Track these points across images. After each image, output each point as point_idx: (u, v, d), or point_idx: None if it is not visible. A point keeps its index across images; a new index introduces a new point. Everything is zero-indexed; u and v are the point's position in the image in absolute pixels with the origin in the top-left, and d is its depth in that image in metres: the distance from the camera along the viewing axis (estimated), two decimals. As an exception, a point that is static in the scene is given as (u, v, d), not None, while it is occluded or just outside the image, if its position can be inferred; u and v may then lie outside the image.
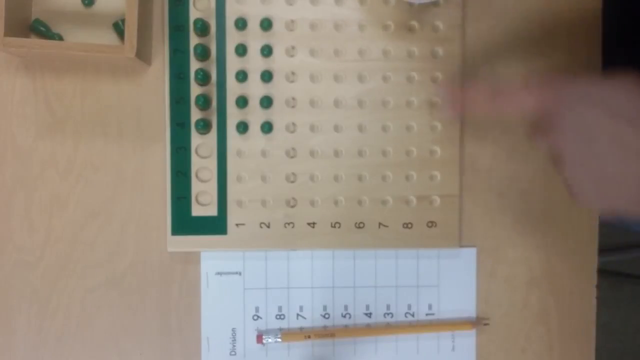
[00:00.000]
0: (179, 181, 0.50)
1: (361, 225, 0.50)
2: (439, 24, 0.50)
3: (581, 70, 0.52)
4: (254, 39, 0.49)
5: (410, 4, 0.49)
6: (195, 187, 0.50)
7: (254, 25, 0.49)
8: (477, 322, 0.52)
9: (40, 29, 0.49)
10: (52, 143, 0.50)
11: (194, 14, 0.49)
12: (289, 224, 0.50)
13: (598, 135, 0.37)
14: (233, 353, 0.52)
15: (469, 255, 0.53)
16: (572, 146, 0.38)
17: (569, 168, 0.39)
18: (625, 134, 0.37)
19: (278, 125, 0.50)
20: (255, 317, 0.52)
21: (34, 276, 0.51)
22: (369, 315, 0.52)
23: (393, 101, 0.50)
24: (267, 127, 0.49)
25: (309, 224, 0.50)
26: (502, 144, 0.52)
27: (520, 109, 0.40)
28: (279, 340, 0.51)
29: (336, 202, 0.50)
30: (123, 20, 0.47)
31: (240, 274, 0.52)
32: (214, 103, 0.49)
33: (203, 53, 0.48)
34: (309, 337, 0.51)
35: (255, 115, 0.50)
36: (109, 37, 0.50)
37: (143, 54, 0.48)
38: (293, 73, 0.50)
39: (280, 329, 0.52)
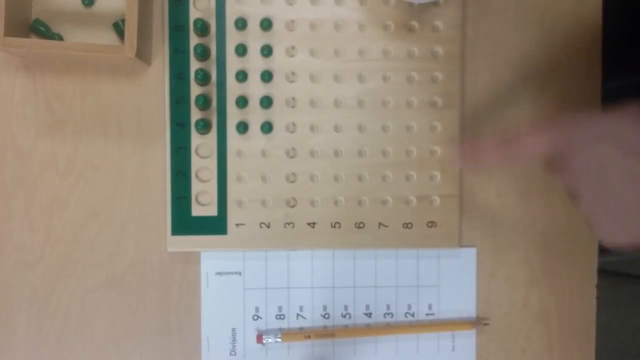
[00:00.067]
0: (179, 181, 0.50)
1: (361, 225, 0.50)
2: (439, 24, 0.50)
3: (581, 71, 0.52)
4: (254, 39, 0.49)
5: (410, 4, 0.49)
6: (195, 187, 0.50)
7: (254, 25, 0.49)
8: (477, 322, 0.52)
9: (40, 29, 0.49)
10: (52, 143, 0.50)
11: (194, 14, 0.49)
12: (289, 224, 0.50)
13: (609, 170, 0.37)
14: (233, 353, 0.52)
15: (469, 255, 0.53)
16: (585, 184, 0.39)
17: (584, 205, 0.39)
18: (635, 168, 0.37)
19: (278, 125, 0.50)
20: (255, 317, 0.52)
21: (34, 276, 0.51)
22: (369, 315, 0.52)
23: (393, 101, 0.50)
24: (267, 127, 0.49)
25: (309, 224, 0.50)
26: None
27: (531, 155, 0.40)
28: (279, 340, 0.51)
29: (336, 202, 0.50)
30: (123, 20, 0.47)
31: (240, 274, 0.52)
32: (214, 103, 0.49)
33: (203, 53, 0.48)
34: (309, 337, 0.51)
35: (255, 115, 0.50)
36: (109, 37, 0.50)
37: (143, 54, 0.48)
38: (293, 73, 0.50)
39: (280, 329, 0.52)
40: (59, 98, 0.50)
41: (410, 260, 0.52)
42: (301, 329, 0.52)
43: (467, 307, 0.53)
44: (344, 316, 0.52)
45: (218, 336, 0.51)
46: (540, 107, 0.52)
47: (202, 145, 0.50)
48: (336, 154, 0.50)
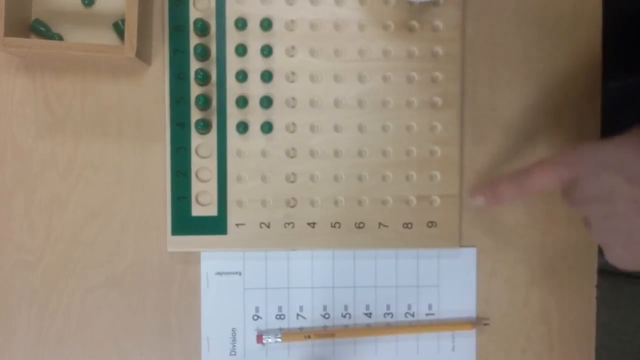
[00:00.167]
0: (179, 181, 0.50)
1: (361, 225, 0.50)
2: (439, 23, 0.50)
3: (581, 71, 0.52)
4: (254, 39, 0.49)
5: (410, 3, 0.49)
6: (195, 187, 0.50)
7: (254, 25, 0.49)
8: (477, 322, 0.52)
9: (40, 29, 0.49)
10: (52, 143, 0.50)
11: (194, 14, 0.49)
12: (289, 224, 0.50)
13: (616, 197, 0.38)
14: (233, 353, 0.52)
15: (469, 255, 0.53)
16: (594, 211, 0.40)
17: (595, 231, 0.41)
18: None
19: (278, 125, 0.50)
20: (255, 317, 0.52)
21: (34, 276, 0.51)
22: (369, 315, 0.52)
23: (393, 101, 0.50)
24: (267, 127, 0.49)
25: (309, 224, 0.50)
26: (501, 145, 0.52)
27: (544, 188, 0.42)
28: (279, 340, 0.51)
29: (336, 202, 0.50)
30: (123, 20, 0.47)
31: (240, 274, 0.52)
32: (214, 103, 0.49)
33: (203, 53, 0.48)
34: (309, 337, 0.51)
35: (255, 115, 0.50)
36: (109, 37, 0.50)
37: (143, 54, 0.48)
38: (293, 73, 0.50)
39: (280, 329, 0.52)
40: (59, 98, 0.50)
41: (410, 260, 0.52)
42: (301, 329, 0.52)
43: (467, 307, 0.53)
44: (344, 316, 0.52)
45: (218, 336, 0.51)
46: (541, 107, 0.52)
47: (202, 145, 0.50)
48: (336, 154, 0.50)
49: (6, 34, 0.45)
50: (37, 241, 0.50)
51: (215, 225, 0.50)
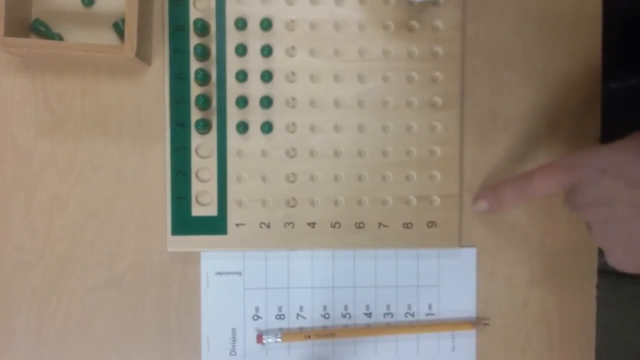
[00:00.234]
0: (179, 181, 0.50)
1: (361, 225, 0.50)
2: (439, 23, 0.50)
3: (581, 71, 0.52)
4: (254, 39, 0.49)
5: (410, 3, 0.49)
6: (195, 187, 0.50)
7: (254, 25, 0.49)
8: (477, 322, 0.52)
9: (40, 29, 0.49)
10: (52, 143, 0.50)
11: (194, 14, 0.49)
12: (289, 224, 0.50)
13: (616, 202, 0.39)
14: (233, 353, 0.52)
15: (469, 255, 0.53)
16: (595, 216, 0.41)
17: (596, 236, 0.42)
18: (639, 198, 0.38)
19: (278, 125, 0.50)
20: (255, 317, 0.52)
21: (34, 276, 0.51)
22: (369, 315, 0.52)
23: (393, 101, 0.50)
24: (267, 127, 0.49)
25: (309, 224, 0.50)
26: (502, 145, 0.52)
27: (546, 193, 0.43)
28: (279, 340, 0.51)
29: (336, 202, 0.50)
30: (123, 20, 0.47)
31: (240, 274, 0.52)
32: (214, 103, 0.49)
33: (203, 53, 0.48)
34: (309, 337, 0.51)
35: (255, 115, 0.50)
36: (109, 37, 0.50)
37: (143, 54, 0.48)
38: (293, 73, 0.50)
39: (280, 329, 0.52)
40: (59, 98, 0.50)
41: (410, 260, 0.52)
42: (301, 329, 0.52)
43: (467, 307, 0.53)
44: (344, 316, 0.52)
45: (218, 336, 0.51)
46: (541, 107, 0.52)
47: (202, 145, 0.50)
48: (336, 154, 0.50)
49: (6, 34, 0.45)
50: (37, 241, 0.50)
51: (215, 225, 0.50)
